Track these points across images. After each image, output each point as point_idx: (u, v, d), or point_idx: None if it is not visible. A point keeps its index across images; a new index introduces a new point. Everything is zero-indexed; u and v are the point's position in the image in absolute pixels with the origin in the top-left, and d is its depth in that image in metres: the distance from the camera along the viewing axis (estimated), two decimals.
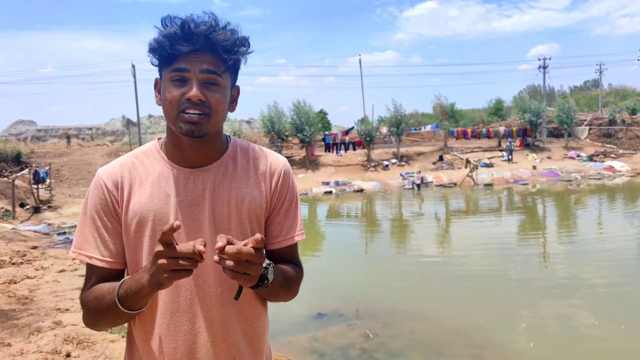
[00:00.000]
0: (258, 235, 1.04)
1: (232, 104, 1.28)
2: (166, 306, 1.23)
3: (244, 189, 1.27)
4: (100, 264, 1.24)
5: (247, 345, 1.29)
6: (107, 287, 1.19)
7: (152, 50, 1.19)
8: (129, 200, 1.24)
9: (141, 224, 1.22)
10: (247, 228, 1.27)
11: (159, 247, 1.02)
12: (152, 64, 1.23)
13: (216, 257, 1.03)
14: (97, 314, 1.21)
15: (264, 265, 1.13)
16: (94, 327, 1.28)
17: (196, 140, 1.20)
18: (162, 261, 1.02)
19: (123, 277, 1.26)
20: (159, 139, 1.34)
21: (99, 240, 1.24)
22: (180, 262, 1.01)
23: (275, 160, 1.34)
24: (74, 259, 1.22)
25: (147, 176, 1.26)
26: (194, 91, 1.15)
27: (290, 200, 1.34)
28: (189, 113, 1.16)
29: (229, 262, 1.02)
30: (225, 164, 1.28)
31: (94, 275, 1.25)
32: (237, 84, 1.29)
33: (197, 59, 1.16)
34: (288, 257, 1.34)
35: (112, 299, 1.16)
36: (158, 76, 1.25)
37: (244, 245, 1.04)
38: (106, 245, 1.24)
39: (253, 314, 1.30)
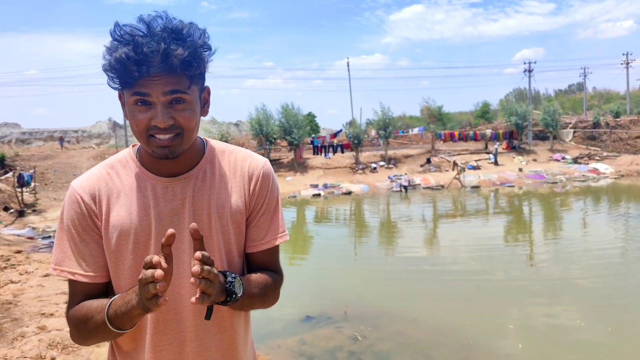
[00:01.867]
0: (198, 254, 1.01)
1: (205, 107, 1.23)
2: (151, 316, 1.21)
3: (223, 194, 1.24)
4: (84, 280, 1.20)
5: (230, 353, 1.28)
6: (96, 306, 1.16)
7: (105, 72, 1.10)
8: (108, 214, 1.20)
9: (122, 237, 1.19)
10: (230, 234, 1.25)
11: (142, 274, 1.00)
12: (109, 85, 1.12)
13: (192, 280, 1.00)
14: (85, 332, 1.18)
15: (228, 279, 1.12)
16: (83, 344, 1.25)
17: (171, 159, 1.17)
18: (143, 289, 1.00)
19: (107, 291, 1.24)
20: (133, 145, 1.29)
21: (80, 255, 1.20)
22: (157, 286, 0.97)
23: (254, 162, 1.29)
24: (57, 276, 1.22)
25: (124, 187, 1.21)
26: (159, 118, 1.09)
27: (269, 202, 1.30)
28: (159, 138, 1.11)
29: (194, 269, 1.00)
30: (204, 170, 1.25)
31: (79, 291, 1.22)
32: (206, 85, 1.22)
33: (158, 81, 1.08)
34: (268, 261, 1.32)
35: (101, 319, 1.13)
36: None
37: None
38: (87, 260, 1.20)
39: (234, 322, 1.29)
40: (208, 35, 1.15)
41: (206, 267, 1.01)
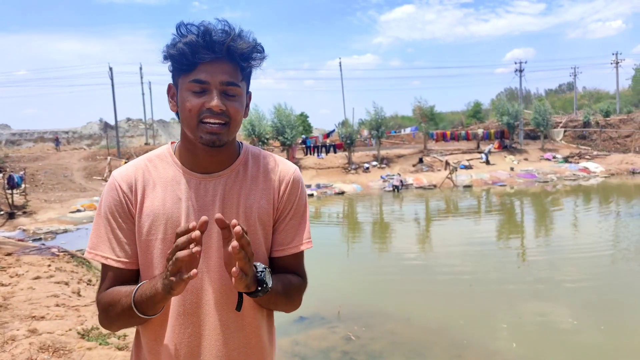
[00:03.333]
0: (236, 224, 1.05)
1: (246, 109, 1.30)
2: (173, 308, 1.24)
3: (253, 196, 1.29)
4: (115, 265, 1.26)
5: (249, 352, 1.30)
6: (125, 291, 1.21)
7: (172, 57, 1.20)
8: (142, 203, 1.26)
9: (153, 226, 1.24)
10: (257, 235, 1.28)
11: (175, 243, 1.06)
12: (169, 70, 1.24)
13: (238, 228, 1.03)
14: (113, 315, 1.23)
15: (259, 269, 1.15)
16: (108, 328, 1.30)
17: (213, 148, 1.22)
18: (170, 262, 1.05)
19: (137, 278, 1.29)
20: (172, 143, 1.35)
21: (114, 241, 1.26)
22: (178, 254, 1.03)
23: (285, 168, 1.35)
24: (91, 260, 1.26)
25: (160, 180, 1.27)
26: (215, 101, 1.17)
27: (297, 208, 1.34)
28: (209, 123, 1.17)
29: (234, 243, 1.04)
30: (237, 171, 1.30)
31: (110, 276, 1.27)
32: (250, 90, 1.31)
33: (217, 68, 1.18)
34: (292, 266, 1.34)
35: (128, 303, 1.18)
36: (171, 82, 1.26)
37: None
38: (121, 246, 1.26)
39: (256, 321, 1.31)
40: (261, 43, 1.26)
41: (245, 240, 1.06)
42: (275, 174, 1.33)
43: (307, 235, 1.35)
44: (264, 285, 1.15)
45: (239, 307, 1.17)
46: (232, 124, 1.21)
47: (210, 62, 1.17)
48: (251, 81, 1.30)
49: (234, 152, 1.31)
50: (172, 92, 1.26)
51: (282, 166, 1.35)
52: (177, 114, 1.26)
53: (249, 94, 1.30)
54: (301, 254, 1.36)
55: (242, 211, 1.27)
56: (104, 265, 1.28)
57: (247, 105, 1.30)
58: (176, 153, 1.31)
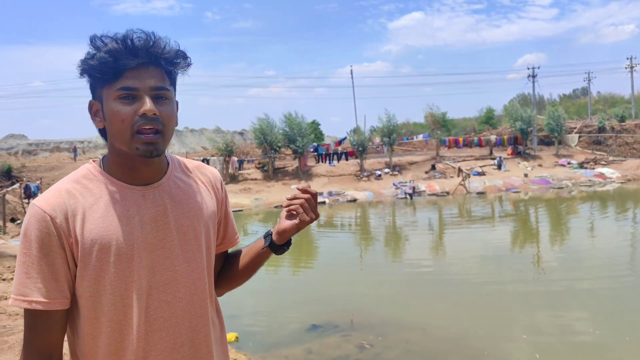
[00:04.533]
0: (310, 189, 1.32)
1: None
2: (138, 329, 1.17)
3: (199, 198, 1.30)
4: (55, 308, 1.13)
5: (209, 352, 1.28)
6: None
7: (92, 68, 1.13)
8: (82, 229, 1.14)
9: (103, 251, 1.14)
10: (208, 236, 1.30)
11: None
12: (90, 84, 1.18)
13: (293, 190, 1.24)
14: None
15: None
16: None
17: (151, 159, 1.17)
18: None
19: (65, 319, 1.17)
20: (93, 160, 1.25)
21: (52, 280, 1.12)
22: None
23: (213, 170, 1.41)
24: (24, 308, 1.16)
25: (97, 200, 1.17)
26: (148, 106, 1.11)
27: (227, 204, 1.43)
28: (145, 133, 1.12)
29: (298, 204, 1.31)
30: (174, 177, 1.28)
31: (42, 321, 1.14)
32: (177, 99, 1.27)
33: (144, 73, 1.13)
34: (237, 256, 1.44)
35: None
36: (92, 99, 1.20)
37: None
38: (60, 284, 1.13)
39: (215, 320, 1.33)
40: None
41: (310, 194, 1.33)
42: (209, 176, 1.37)
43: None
44: (289, 244, 1.38)
45: (265, 245, 1.36)
46: (167, 131, 1.16)
47: (136, 68, 1.12)
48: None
49: (164, 161, 1.28)
50: (95, 108, 1.19)
51: (209, 169, 1.39)
52: (102, 130, 1.19)
53: (176, 102, 1.24)
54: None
55: (193, 215, 1.26)
56: (33, 312, 1.13)
57: (176, 114, 1.24)
58: (107, 170, 1.22)
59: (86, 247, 1.13)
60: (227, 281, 1.44)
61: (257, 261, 1.40)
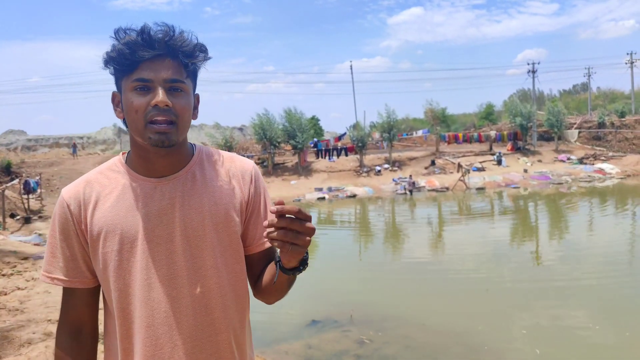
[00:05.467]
0: (295, 208, 1.03)
1: (194, 111, 1.26)
2: (141, 321, 1.20)
3: (217, 194, 1.25)
4: (73, 286, 1.24)
5: (228, 355, 1.26)
6: None
7: (111, 59, 1.16)
8: (92, 217, 1.21)
9: (108, 238, 1.19)
10: (224, 234, 1.24)
11: None
12: (111, 74, 1.21)
13: (266, 222, 1.04)
14: None
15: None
16: None
17: (164, 149, 1.18)
18: None
19: (97, 297, 1.28)
20: (123, 153, 1.31)
21: (71, 262, 1.23)
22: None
23: (244, 163, 1.33)
24: (49, 283, 1.29)
25: (111, 190, 1.23)
26: (160, 97, 1.13)
27: (265, 201, 1.32)
28: (157, 123, 1.14)
29: (279, 233, 1.02)
30: (193, 172, 1.26)
31: (69, 298, 1.26)
32: (197, 92, 1.27)
33: (160, 65, 1.14)
34: (269, 260, 1.31)
35: None
36: (115, 90, 1.22)
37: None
38: (78, 266, 1.23)
39: (234, 323, 1.27)
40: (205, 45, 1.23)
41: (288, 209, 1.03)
42: (237, 170, 1.30)
43: None
44: (305, 263, 1.16)
45: (275, 279, 1.18)
46: (181, 123, 1.17)
47: (152, 60, 1.14)
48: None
49: (187, 153, 1.27)
50: (117, 99, 1.22)
51: (240, 162, 1.33)
52: (124, 121, 1.21)
53: (196, 95, 1.26)
54: (273, 247, 1.30)
55: (207, 212, 1.23)
56: (64, 290, 1.25)
57: (196, 107, 1.27)
58: (127, 161, 1.27)
59: (94, 235, 1.20)
60: (265, 290, 1.29)
61: (278, 285, 1.24)
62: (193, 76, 1.22)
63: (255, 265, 1.32)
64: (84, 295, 1.26)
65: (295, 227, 1.02)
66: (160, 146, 1.15)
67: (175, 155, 1.23)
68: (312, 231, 1.05)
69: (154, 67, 1.14)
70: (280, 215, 1.02)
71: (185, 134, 1.22)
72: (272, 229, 1.03)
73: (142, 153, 1.22)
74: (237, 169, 1.31)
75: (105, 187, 1.24)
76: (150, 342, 1.20)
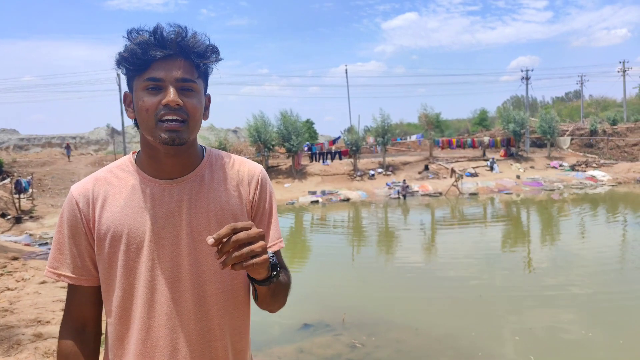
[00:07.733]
0: (247, 223, 1.01)
1: (205, 111, 1.26)
2: (142, 322, 1.20)
3: (223, 198, 1.26)
4: (78, 283, 1.25)
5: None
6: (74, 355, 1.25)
7: (124, 59, 1.17)
8: (101, 216, 1.21)
9: (115, 238, 1.20)
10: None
11: None
12: (123, 74, 1.22)
13: (210, 240, 0.99)
14: None
15: (269, 253, 1.12)
16: None
17: (174, 148, 1.18)
18: None
19: (99, 296, 1.27)
20: (133, 152, 1.31)
21: (78, 258, 1.24)
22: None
23: (252, 167, 1.33)
24: (55, 279, 1.30)
25: (120, 190, 1.23)
26: (171, 96, 1.13)
27: (270, 206, 1.33)
28: (168, 121, 1.14)
29: (235, 253, 0.98)
30: (201, 174, 1.26)
31: (74, 295, 1.27)
32: (208, 92, 1.28)
33: (171, 65, 1.15)
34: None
35: None
36: (127, 90, 1.23)
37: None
38: (84, 263, 1.24)
39: (233, 329, 1.27)
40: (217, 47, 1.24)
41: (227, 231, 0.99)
42: (244, 174, 1.30)
43: (279, 234, 1.33)
44: (277, 270, 1.13)
45: (256, 296, 1.21)
46: (191, 122, 1.17)
47: (164, 60, 1.15)
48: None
49: (197, 155, 1.28)
50: (129, 99, 1.22)
51: (248, 166, 1.33)
52: (135, 121, 1.22)
53: (207, 96, 1.27)
54: (279, 252, 1.33)
55: (212, 215, 1.23)
56: (69, 286, 1.27)
57: (207, 107, 1.27)
58: (137, 161, 1.27)
59: (101, 234, 1.21)
60: (261, 301, 1.26)
61: (262, 297, 1.23)
62: (204, 77, 1.23)
63: None
64: (89, 293, 1.26)
65: (241, 240, 0.98)
66: (171, 144, 1.16)
67: (184, 156, 1.24)
68: (260, 235, 1.01)
69: (165, 67, 1.15)
70: (219, 243, 0.98)
71: (195, 134, 1.22)
72: (223, 257, 0.99)
73: (152, 153, 1.22)
74: (244, 173, 1.31)
75: (114, 186, 1.24)
76: (151, 343, 1.20)
